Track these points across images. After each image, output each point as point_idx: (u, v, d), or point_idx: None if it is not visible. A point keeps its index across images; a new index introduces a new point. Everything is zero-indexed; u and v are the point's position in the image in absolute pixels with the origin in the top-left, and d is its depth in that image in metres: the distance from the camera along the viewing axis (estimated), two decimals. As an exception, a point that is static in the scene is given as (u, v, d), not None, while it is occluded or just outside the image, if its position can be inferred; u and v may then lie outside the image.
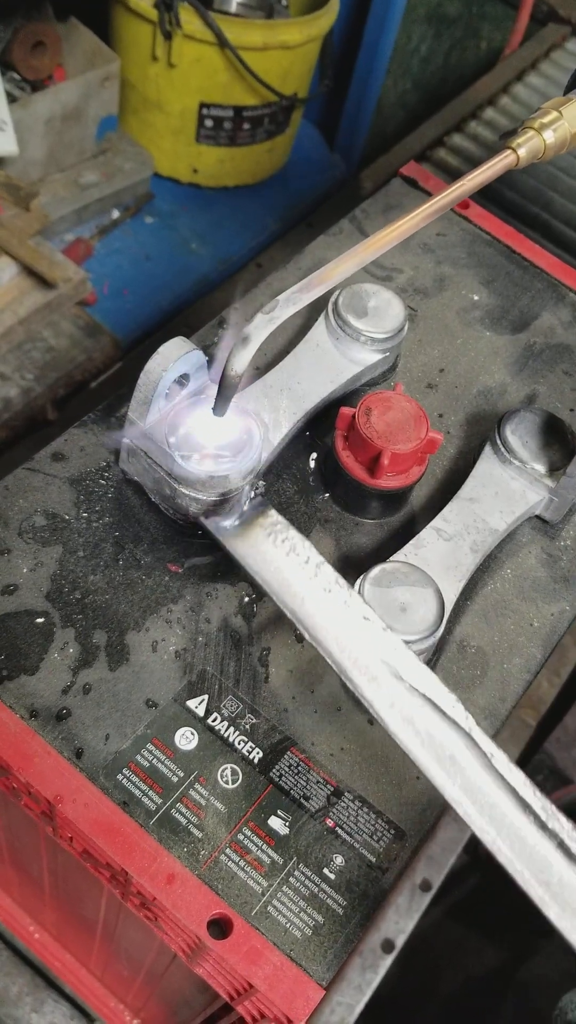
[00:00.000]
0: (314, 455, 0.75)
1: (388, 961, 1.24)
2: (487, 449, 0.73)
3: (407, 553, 0.68)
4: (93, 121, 1.66)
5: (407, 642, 0.62)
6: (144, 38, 1.59)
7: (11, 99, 1.53)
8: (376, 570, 0.64)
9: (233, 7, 1.64)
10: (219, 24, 1.50)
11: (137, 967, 0.93)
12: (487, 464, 0.73)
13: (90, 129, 1.67)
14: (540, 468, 0.72)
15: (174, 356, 0.63)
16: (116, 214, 1.75)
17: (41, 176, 1.67)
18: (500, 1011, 1.59)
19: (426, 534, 0.69)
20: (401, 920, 1.27)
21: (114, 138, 1.73)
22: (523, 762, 1.57)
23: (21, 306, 1.52)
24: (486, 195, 1.78)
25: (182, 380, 0.66)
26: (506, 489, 0.72)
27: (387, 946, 1.25)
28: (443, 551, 0.68)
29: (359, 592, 0.63)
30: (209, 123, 1.67)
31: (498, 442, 0.73)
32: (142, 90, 1.67)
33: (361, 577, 0.64)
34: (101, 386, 1.54)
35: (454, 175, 1.81)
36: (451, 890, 1.90)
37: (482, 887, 1.87)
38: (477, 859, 1.84)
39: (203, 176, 1.78)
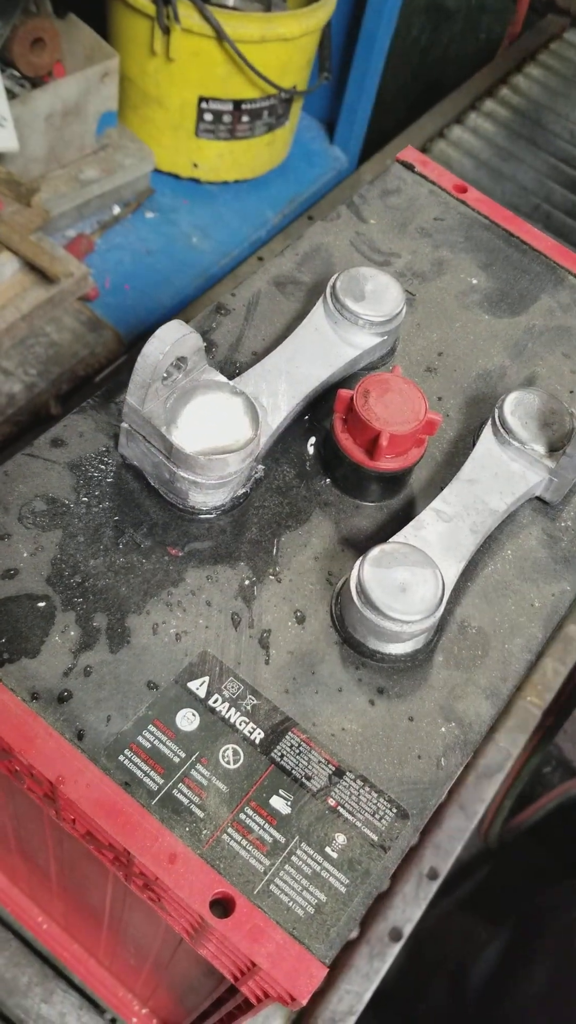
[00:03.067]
0: (313, 439, 0.75)
1: (395, 949, 1.24)
2: (487, 430, 0.73)
3: (407, 535, 0.68)
4: (93, 117, 1.66)
5: (407, 622, 0.62)
6: (142, 33, 1.59)
7: (11, 96, 1.53)
8: (375, 551, 0.64)
9: (231, 0, 1.64)
10: (217, 17, 1.51)
11: (144, 955, 0.93)
12: (487, 445, 0.73)
13: (90, 125, 1.67)
14: (540, 449, 0.72)
15: (171, 339, 0.63)
16: (117, 210, 1.75)
17: (42, 173, 1.67)
18: (509, 1002, 1.59)
19: (426, 516, 0.69)
20: (408, 908, 1.27)
21: (114, 134, 1.74)
22: (533, 752, 1.57)
23: (23, 302, 1.53)
24: (486, 190, 1.78)
25: (180, 363, 0.66)
26: (506, 470, 0.72)
27: (395, 935, 1.25)
28: (443, 532, 0.68)
29: (358, 573, 0.63)
30: (208, 117, 1.67)
31: (498, 423, 0.73)
32: (141, 85, 1.67)
33: (360, 558, 0.64)
34: (104, 380, 1.54)
35: (455, 167, 1.81)
36: (460, 882, 1.91)
37: (491, 878, 1.88)
38: (487, 850, 1.84)
39: (203, 171, 1.78)
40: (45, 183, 1.66)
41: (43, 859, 0.93)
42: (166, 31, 1.55)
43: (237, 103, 1.66)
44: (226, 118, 1.68)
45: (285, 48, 1.60)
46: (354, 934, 1.24)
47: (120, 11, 1.60)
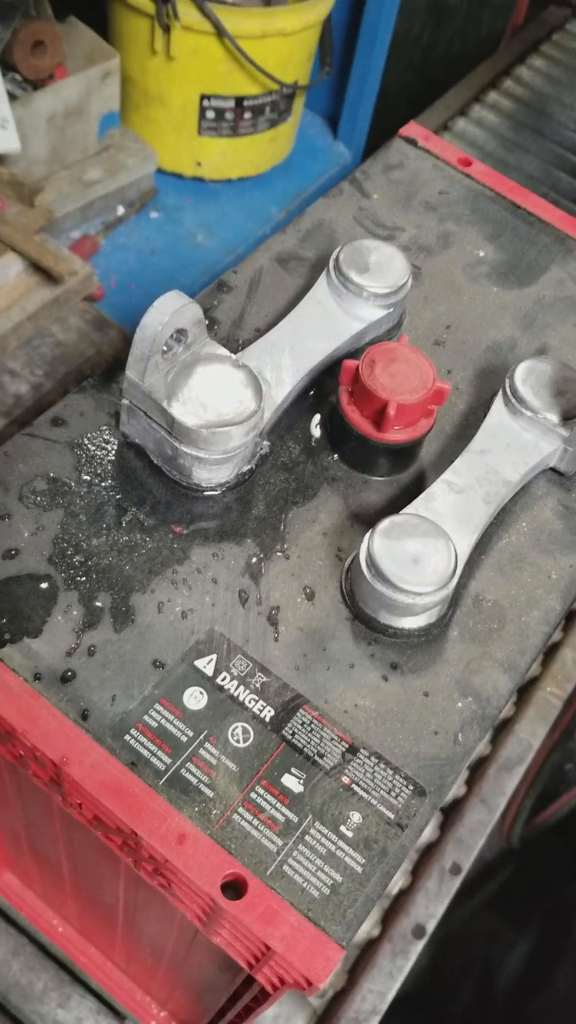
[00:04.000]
0: (318, 416, 0.73)
1: (419, 947, 1.22)
2: (498, 400, 0.71)
3: (417, 507, 0.66)
4: (95, 118, 1.66)
5: (420, 594, 0.61)
6: (142, 32, 1.58)
7: (12, 98, 1.53)
8: (386, 522, 0.62)
9: (230, -5, 1.63)
10: (216, 13, 1.50)
11: (160, 954, 0.91)
12: (498, 416, 0.71)
13: (92, 126, 1.67)
14: (553, 418, 0.70)
15: (170, 309, 0.61)
16: (121, 210, 1.74)
17: (45, 174, 1.67)
18: (537, 1003, 1.56)
19: (437, 487, 0.67)
20: (431, 905, 1.24)
21: (116, 135, 1.73)
22: (554, 748, 1.54)
23: (29, 302, 1.52)
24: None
25: (179, 336, 0.64)
26: (518, 440, 0.70)
27: (418, 931, 1.22)
28: (455, 503, 0.66)
29: (368, 546, 0.62)
30: (211, 115, 1.67)
31: (509, 393, 0.71)
32: (143, 85, 1.66)
33: (370, 531, 0.62)
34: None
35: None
36: (484, 883, 1.88)
37: (515, 878, 1.84)
38: (510, 849, 1.81)
39: (207, 169, 1.77)
40: (49, 185, 1.66)
41: (55, 857, 0.91)
42: (166, 29, 1.55)
43: (239, 100, 1.65)
44: (228, 115, 1.67)
45: (286, 43, 1.59)
46: (376, 932, 1.21)
47: (120, 11, 1.59)
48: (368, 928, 1.19)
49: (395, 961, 1.21)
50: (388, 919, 1.23)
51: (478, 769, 1.36)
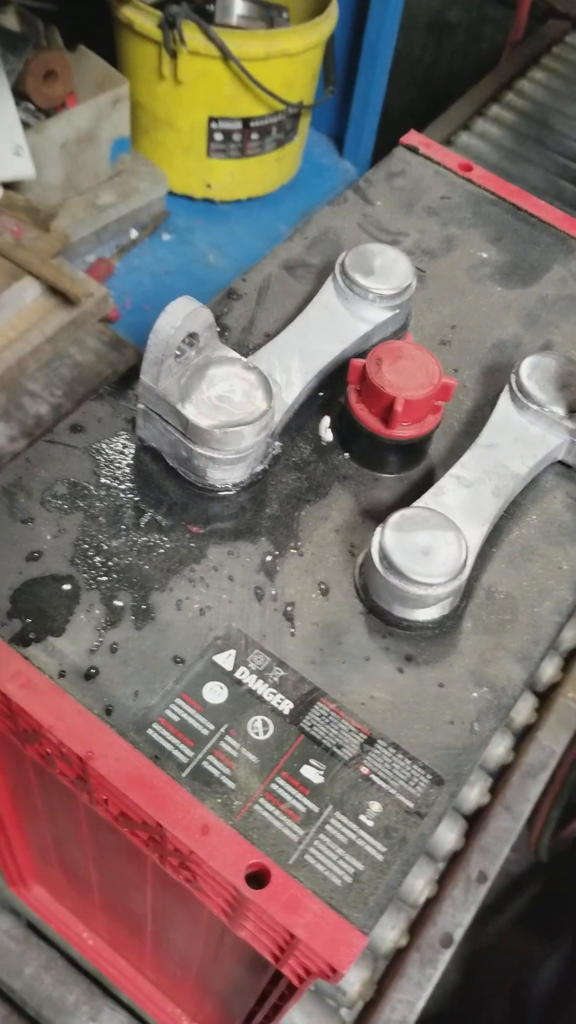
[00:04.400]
0: (327, 418, 0.75)
1: (447, 956, 1.21)
2: (504, 395, 0.73)
3: (427, 501, 0.67)
4: (106, 143, 1.69)
5: (432, 585, 0.62)
6: (150, 58, 1.62)
7: (25, 127, 1.56)
8: (396, 516, 0.63)
9: (234, 19, 1.67)
10: (221, 37, 1.53)
11: (188, 962, 0.92)
12: (505, 410, 0.72)
13: (104, 151, 1.70)
14: (559, 411, 0.71)
15: (182, 313, 0.63)
16: (134, 233, 1.78)
17: (60, 200, 1.70)
18: (571, 1019, 1.54)
19: (445, 482, 0.68)
20: (458, 913, 1.24)
21: (128, 159, 1.77)
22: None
23: (47, 325, 1.55)
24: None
25: (192, 339, 0.66)
26: (525, 434, 0.71)
27: (445, 940, 1.22)
28: (464, 497, 0.67)
29: (380, 539, 0.63)
30: (219, 137, 1.70)
31: (515, 388, 0.72)
32: (151, 109, 1.70)
33: (381, 525, 0.63)
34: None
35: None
36: (513, 898, 1.86)
37: (544, 893, 1.83)
38: (538, 863, 1.80)
39: (216, 190, 1.80)
40: (63, 210, 1.69)
41: (83, 865, 0.92)
42: (173, 55, 1.58)
43: (246, 121, 1.68)
44: (236, 136, 1.70)
45: (290, 63, 1.62)
46: (404, 941, 1.21)
47: (128, 38, 1.63)
48: (395, 938, 1.19)
49: (423, 971, 1.20)
50: (415, 929, 1.23)
51: (502, 776, 1.36)
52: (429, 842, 1.05)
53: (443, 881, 1.26)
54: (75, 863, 0.95)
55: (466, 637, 0.65)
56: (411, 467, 0.73)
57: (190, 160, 1.74)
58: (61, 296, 1.55)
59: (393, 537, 0.62)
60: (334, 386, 0.76)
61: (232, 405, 0.65)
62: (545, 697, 1.42)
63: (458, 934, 1.23)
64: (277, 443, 0.71)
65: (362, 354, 0.76)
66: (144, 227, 1.78)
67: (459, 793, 0.60)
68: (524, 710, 1.37)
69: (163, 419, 0.67)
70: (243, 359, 0.68)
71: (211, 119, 1.67)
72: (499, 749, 1.34)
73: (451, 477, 0.68)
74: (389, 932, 1.18)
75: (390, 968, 1.21)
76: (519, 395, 0.71)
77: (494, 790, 1.33)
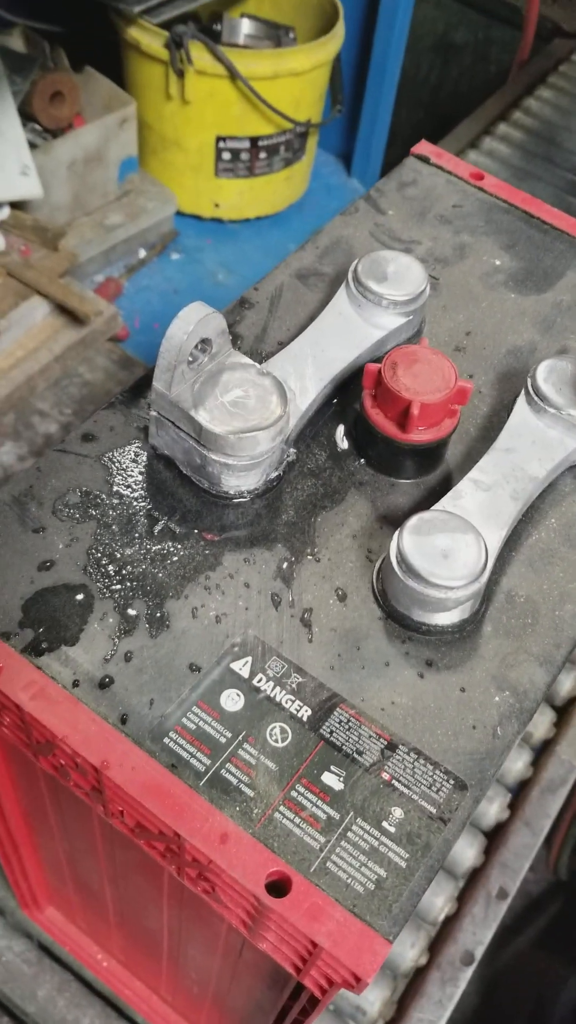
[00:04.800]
0: (342, 425, 0.74)
1: (468, 974, 1.19)
2: (521, 399, 0.72)
3: (445, 504, 0.66)
4: (114, 163, 1.71)
5: (451, 588, 0.61)
6: (157, 79, 1.63)
7: (32, 147, 1.58)
8: (414, 519, 0.63)
9: (241, 39, 1.68)
10: (229, 57, 1.54)
11: (205, 981, 0.90)
12: (522, 414, 0.72)
13: (112, 171, 1.72)
14: (576, 414, 0.71)
15: (195, 319, 0.63)
16: (143, 253, 1.78)
17: (68, 221, 1.71)
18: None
19: (463, 486, 0.67)
20: (478, 931, 1.22)
21: (136, 179, 1.78)
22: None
23: (56, 344, 1.55)
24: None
25: (204, 346, 0.66)
26: (543, 437, 0.71)
27: (466, 958, 1.20)
28: (482, 501, 0.67)
29: (398, 543, 0.62)
30: (227, 156, 1.71)
31: (531, 391, 0.71)
32: (159, 129, 1.71)
33: (399, 528, 0.63)
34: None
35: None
36: (533, 918, 1.84)
37: (565, 912, 1.80)
38: (558, 882, 1.78)
39: (225, 210, 1.81)
40: (72, 230, 1.70)
41: (97, 884, 0.91)
42: (180, 75, 1.59)
43: (254, 140, 1.69)
44: (244, 156, 1.71)
45: (297, 82, 1.63)
46: (424, 959, 1.19)
47: (135, 59, 1.64)
48: (416, 956, 1.17)
49: (444, 989, 1.18)
50: (435, 946, 1.21)
51: (521, 792, 1.34)
52: (448, 859, 1.03)
53: (463, 898, 1.24)
54: (89, 882, 0.93)
55: (487, 641, 0.64)
56: (428, 472, 0.72)
57: (198, 180, 1.75)
58: (70, 315, 1.55)
59: (412, 540, 0.62)
60: (348, 393, 0.75)
61: (246, 411, 0.65)
62: (564, 711, 1.40)
63: (479, 952, 1.21)
64: (292, 450, 0.70)
65: (376, 360, 0.76)
66: (153, 246, 1.79)
67: (483, 798, 0.59)
68: (543, 724, 1.36)
69: (176, 426, 0.66)
70: (257, 365, 0.67)
71: (219, 138, 1.68)
72: (518, 764, 1.32)
73: (469, 481, 0.68)
74: (409, 950, 1.16)
75: (410, 987, 1.19)
76: (536, 399, 0.71)
77: (513, 805, 1.31)
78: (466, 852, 1.24)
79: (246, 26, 1.74)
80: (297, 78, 1.62)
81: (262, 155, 1.71)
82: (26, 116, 1.62)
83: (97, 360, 1.59)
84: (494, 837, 1.29)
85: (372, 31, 1.77)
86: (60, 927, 1.16)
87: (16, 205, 1.57)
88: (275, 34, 1.72)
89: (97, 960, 1.14)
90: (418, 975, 1.19)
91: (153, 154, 1.75)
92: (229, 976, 0.83)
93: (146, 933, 0.92)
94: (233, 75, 1.56)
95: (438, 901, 1.19)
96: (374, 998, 1.12)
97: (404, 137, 2.26)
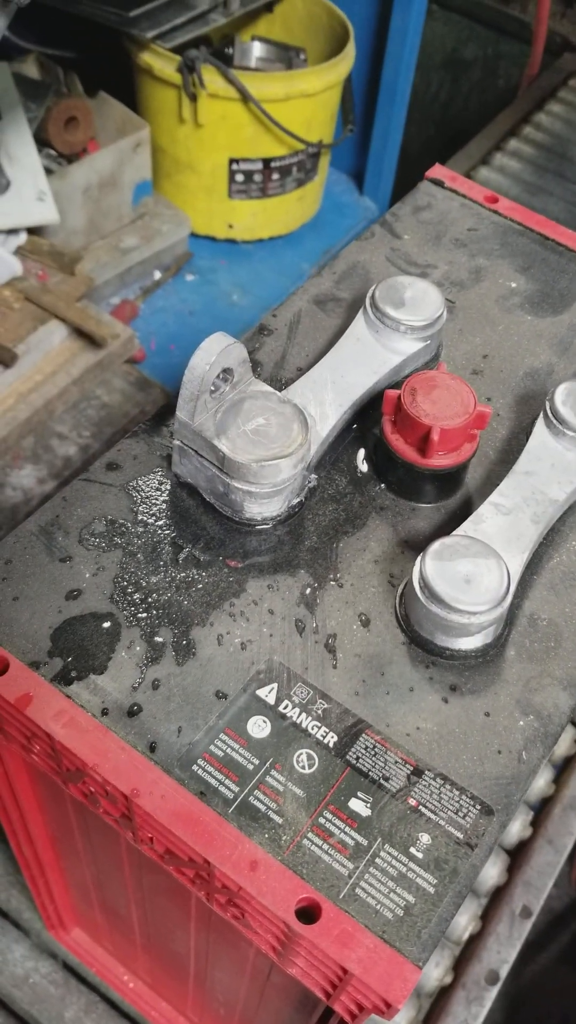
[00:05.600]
0: (362, 450, 0.75)
1: (493, 993, 1.19)
2: (539, 422, 0.72)
3: (467, 529, 0.67)
4: (128, 187, 1.72)
5: (474, 613, 0.61)
6: (170, 103, 1.65)
7: (48, 172, 1.59)
8: (436, 545, 0.63)
9: (252, 62, 1.70)
10: (241, 79, 1.56)
11: (232, 1004, 0.91)
12: (541, 437, 0.72)
13: (126, 195, 1.73)
14: (595, 437, 0.71)
15: (217, 349, 0.64)
16: (158, 275, 1.80)
17: (83, 244, 1.73)
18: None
19: (484, 509, 0.68)
20: (503, 950, 1.22)
21: (150, 202, 1.79)
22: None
23: (73, 367, 1.56)
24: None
25: (226, 375, 0.66)
26: (562, 460, 0.71)
27: (491, 977, 1.20)
28: (503, 524, 0.67)
29: (421, 568, 0.62)
30: (240, 178, 1.72)
31: (550, 414, 0.72)
32: (172, 153, 1.73)
33: (422, 554, 0.63)
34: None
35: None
36: (556, 935, 1.83)
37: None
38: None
39: (239, 231, 1.82)
40: (87, 253, 1.72)
41: (124, 907, 0.91)
42: (193, 98, 1.61)
43: (267, 161, 1.70)
44: (257, 177, 1.73)
45: (309, 104, 1.65)
46: (448, 979, 1.19)
47: (148, 83, 1.66)
48: (440, 975, 1.17)
49: (470, 1009, 1.18)
50: (460, 966, 1.21)
51: (543, 810, 1.34)
52: (473, 877, 1.02)
53: (487, 917, 1.24)
54: (116, 904, 0.94)
55: (510, 665, 0.65)
56: (448, 496, 0.72)
57: (212, 201, 1.77)
58: (87, 338, 1.57)
59: (434, 566, 0.62)
60: (367, 418, 0.76)
61: (268, 439, 0.66)
62: (584, 727, 1.40)
63: (504, 971, 1.21)
64: (313, 476, 0.71)
65: (395, 385, 0.76)
66: (167, 268, 1.81)
67: (509, 822, 0.59)
68: (564, 742, 1.35)
69: (199, 455, 0.67)
70: (277, 393, 0.68)
71: (232, 160, 1.69)
72: (540, 782, 1.32)
73: (489, 505, 0.68)
74: (434, 970, 1.16)
75: (435, 1006, 1.18)
76: (555, 421, 0.71)
77: (536, 823, 1.31)
78: (489, 871, 1.23)
79: (257, 49, 1.76)
80: (309, 99, 1.63)
81: (275, 176, 1.73)
82: (41, 142, 1.64)
83: (114, 382, 1.60)
84: (517, 855, 1.29)
85: (383, 50, 1.78)
86: (86, 948, 1.17)
87: (33, 231, 1.59)
88: (286, 56, 1.74)
89: (123, 981, 1.15)
90: (443, 995, 1.19)
91: (167, 177, 1.77)
92: (257, 999, 0.83)
93: (173, 955, 0.93)
94: (245, 98, 1.57)
95: (462, 920, 1.19)
96: (400, 1018, 1.12)
97: (415, 154, 2.27)
